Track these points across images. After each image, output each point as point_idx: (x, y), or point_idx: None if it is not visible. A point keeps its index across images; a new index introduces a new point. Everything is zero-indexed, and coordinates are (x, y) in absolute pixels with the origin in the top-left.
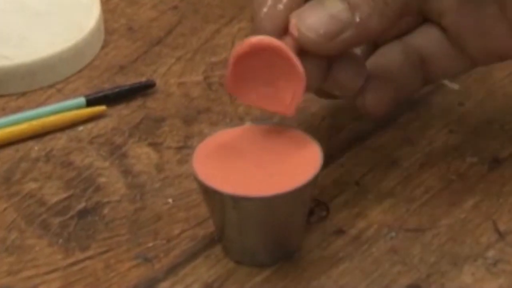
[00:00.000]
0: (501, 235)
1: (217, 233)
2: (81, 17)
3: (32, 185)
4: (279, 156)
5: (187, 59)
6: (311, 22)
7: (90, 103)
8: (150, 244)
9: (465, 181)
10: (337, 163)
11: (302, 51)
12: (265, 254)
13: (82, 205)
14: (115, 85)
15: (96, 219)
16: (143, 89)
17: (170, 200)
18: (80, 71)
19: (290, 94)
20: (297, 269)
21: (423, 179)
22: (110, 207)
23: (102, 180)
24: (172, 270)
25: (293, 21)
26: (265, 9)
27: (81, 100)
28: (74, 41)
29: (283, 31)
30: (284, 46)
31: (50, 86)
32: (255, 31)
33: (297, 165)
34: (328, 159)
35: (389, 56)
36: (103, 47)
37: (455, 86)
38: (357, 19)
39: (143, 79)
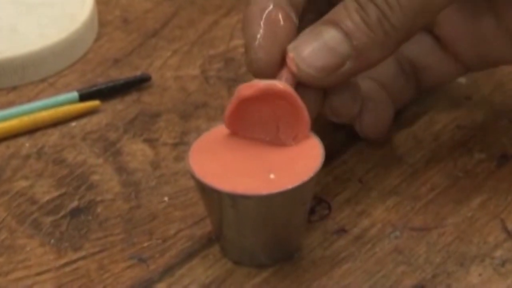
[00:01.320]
0: (509, 234)
1: (214, 233)
2: (74, 8)
3: (23, 183)
4: (278, 152)
5: (184, 52)
6: (309, 57)
7: (83, 97)
8: (145, 244)
9: (473, 178)
10: (339, 159)
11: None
12: (264, 254)
13: (74, 203)
14: (109, 79)
15: (89, 218)
16: (138, 83)
17: (166, 199)
18: (73, 64)
19: (290, 138)
20: (297, 269)
21: (429, 176)
22: (103, 206)
23: (95, 177)
24: (168, 271)
25: (291, 55)
26: (258, 41)
27: (74, 94)
28: (66, 34)
29: (278, 62)
30: (295, 93)
31: (42, 80)
32: (250, 63)
33: (297, 161)
34: (330, 155)
35: (382, 66)
36: (96, 40)
37: (462, 79)
38: (356, 51)
39: (138, 72)
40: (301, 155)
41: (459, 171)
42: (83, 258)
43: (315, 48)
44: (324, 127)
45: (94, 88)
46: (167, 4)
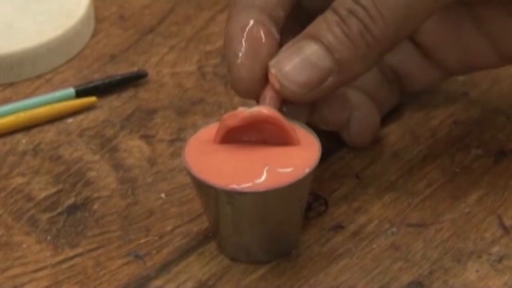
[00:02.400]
0: (506, 230)
1: (211, 229)
2: (70, 4)
3: (20, 180)
4: (275, 149)
5: (181, 48)
6: (291, 73)
7: (79, 94)
8: (142, 241)
9: (470, 174)
10: (336, 155)
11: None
12: (261, 251)
13: (71, 200)
14: (106, 75)
15: (86, 215)
16: (135, 80)
17: (162, 195)
18: (69, 61)
19: None
20: (294, 266)
21: (425, 172)
22: (100, 203)
23: (92, 174)
24: (165, 267)
25: (273, 72)
26: (240, 59)
27: (71, 91)
28: (63, 30)
29: (262, 80)
30: (280, 116)
31: (38, 77)
32: (233, 82)
33: (294, 158)
34: (327, 151)
35: (365, 76)
36: (93, 36)
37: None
38: (338, 65)
39: (135, 69)
40: (298, 152)
41: (456, 167)
42: (80, 255)
43: (297, 64)
44: None
45: (91, 85)
46: (163, 0)
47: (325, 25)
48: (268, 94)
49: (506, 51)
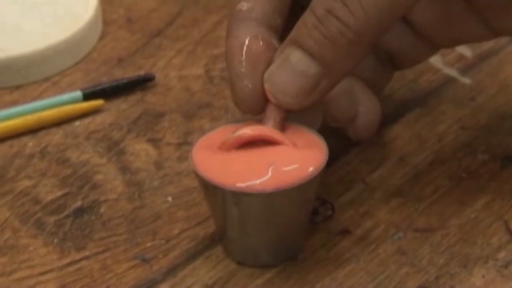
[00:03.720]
0: None
1: (218, 233)
2: (78, 7)
3: (26, 183)
4: (282, 151)
5: (188, 52)
6: (283, 86)
7: (87, 97)
8: (149, 244)
9: (476, 180)
10: (343, 160)
11: None
12: (267, 255)
13: (78, 203)
14: (113, 78)
15: (93, 218)
16: (142, 83)
17: (169, 199)
18: (76, 63)
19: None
20: (301, 270)
21: (432, 177)
22: (107, 206)
23: (99, 177)
24: (171, 271)
25: (267, 87)
26: (241, 79)
27: (78, 94)
28: (70, 33)
29: (264, 96)
30: (269, 132)
31: (46, 79)
32: (237, 102)
33: (301, 160)
34: (334, 156)
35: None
36: (100, 39)
37: (466, 80)
38: (325, 69)
39: (142, 72)
40: (305, 154)
41: (463, 172)
42: (86, 258)
43: (286, 75)
44: (327, 128)
45: (98, 88)
46: (171, 3)
47: (305, 29)
48: (269, 108)
49: (496, 26)
